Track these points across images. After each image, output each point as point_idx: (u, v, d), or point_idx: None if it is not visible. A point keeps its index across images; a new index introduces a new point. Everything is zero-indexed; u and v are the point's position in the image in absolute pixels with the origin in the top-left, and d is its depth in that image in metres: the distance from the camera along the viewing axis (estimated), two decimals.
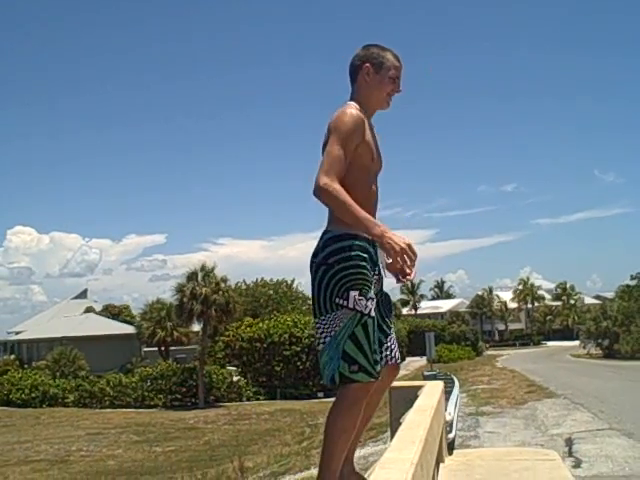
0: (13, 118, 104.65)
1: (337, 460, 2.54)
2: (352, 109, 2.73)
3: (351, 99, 2.86)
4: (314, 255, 2.65)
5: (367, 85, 2.85)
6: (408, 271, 2.63)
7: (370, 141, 2.76)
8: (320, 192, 2.57)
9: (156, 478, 17.63)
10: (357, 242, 2.60)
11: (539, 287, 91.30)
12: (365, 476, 3.07)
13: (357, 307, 2.52)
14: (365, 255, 2.61)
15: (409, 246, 2.51)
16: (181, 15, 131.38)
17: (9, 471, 19.56)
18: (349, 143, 2.65)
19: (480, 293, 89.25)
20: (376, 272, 2.71)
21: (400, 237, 2.53)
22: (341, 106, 2.79)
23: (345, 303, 2.52)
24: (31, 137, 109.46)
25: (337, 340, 2.52)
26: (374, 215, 2.72)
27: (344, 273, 2.54)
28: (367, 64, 2.84)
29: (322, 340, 2.56)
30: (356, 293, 2.53)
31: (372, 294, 2.59)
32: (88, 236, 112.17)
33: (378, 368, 2.55)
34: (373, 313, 2.57)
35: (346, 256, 2.56)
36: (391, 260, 2.58)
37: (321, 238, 2.67)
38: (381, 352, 2.68)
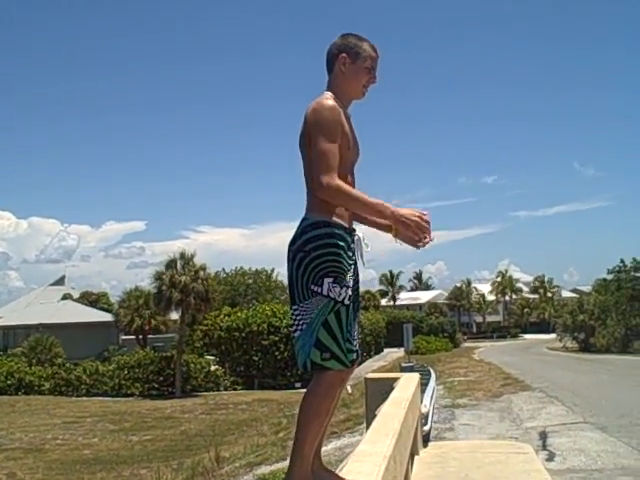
0: None
1: (309, 445, 2.55)
2: (329, 100, 2.73)
3: (327, 89, 2.86)
4: (291, 243, 2.65)
5: (343, 75, 2.84)
6: (426, 239, 2.67)
7: (347, 131, 2.76)
8: (324, 192, 2.59)
9: (132, 467, 17.58)
10: (334, 230, 2.61)
11: (517, 280, 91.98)
12: (338, 468, 3.07)
13: (331, 294, 2.52)
14: (342, 243, 2.60)
15: (420, 217, 2.61)
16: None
17: None
18: (335, 136, 2.66)
19: (459, 285, 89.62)
20: (353, 261, 2.70)
21: (409, 211, 2.62)
22: (318, 97, 2.78)
23: (319, 290, 2.53)
24: (11, 123, 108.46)
25: (312, 327, 2.53)
26: None
27: (320, 260, 2.55)
28: (344, 54, 2.83)
29: (299, 327, 2.57)
30: (330, 280, 2.53)
31: (348, 282, 2.59)
32: (67, 222, 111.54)
33: (351, 357, 2.56)
34: (347, 301, 2.57)
35: (323, 243, 2.57)
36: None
37: (299, 225, 2.67)
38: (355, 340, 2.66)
